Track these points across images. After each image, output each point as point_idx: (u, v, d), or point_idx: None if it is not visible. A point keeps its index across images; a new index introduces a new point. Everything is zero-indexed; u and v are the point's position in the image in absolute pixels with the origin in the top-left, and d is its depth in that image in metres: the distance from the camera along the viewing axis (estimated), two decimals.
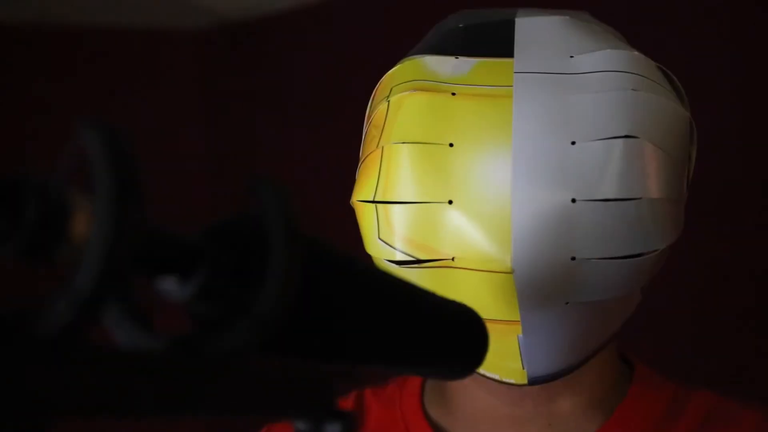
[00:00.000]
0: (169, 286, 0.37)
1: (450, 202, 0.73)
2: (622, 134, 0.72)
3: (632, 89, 0.74)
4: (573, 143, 0.72)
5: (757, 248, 1.71)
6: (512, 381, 0.76)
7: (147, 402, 0.34)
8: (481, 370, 0.75)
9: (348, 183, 0.81)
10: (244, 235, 0.38)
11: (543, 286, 0.72)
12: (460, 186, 0.73)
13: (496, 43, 0.77)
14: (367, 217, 0.76)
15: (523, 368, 0.75)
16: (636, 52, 0.77)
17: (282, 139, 2.36)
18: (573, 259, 0.72)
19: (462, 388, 0.83)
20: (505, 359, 0.75)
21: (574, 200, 0.71)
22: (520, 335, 0.73)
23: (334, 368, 0.42)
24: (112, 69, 2.41)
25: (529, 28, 0.78)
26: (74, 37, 2.38)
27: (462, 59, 0.76)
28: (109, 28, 2.40)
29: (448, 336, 0.49)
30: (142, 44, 2.46)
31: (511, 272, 0.72)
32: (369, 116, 0.81)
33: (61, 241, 0.32)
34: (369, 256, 0.78)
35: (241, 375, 0.37)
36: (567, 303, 0.73)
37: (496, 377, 0.76)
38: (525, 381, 0.75)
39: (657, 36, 1.66)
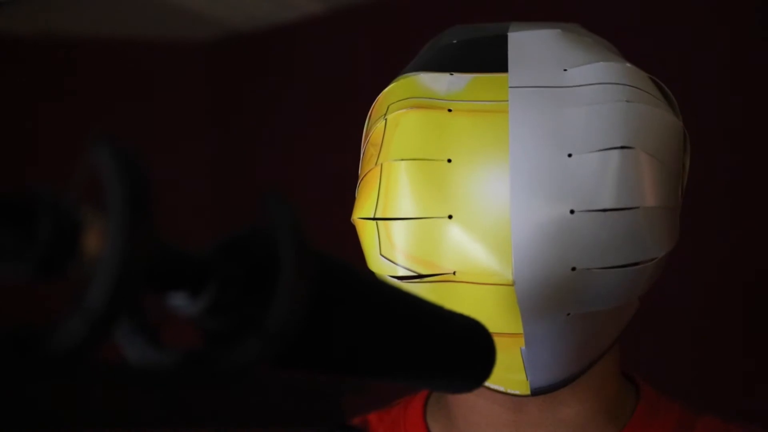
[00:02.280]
0: (180, 301, 0.37)
1: (450, 216, 0.74)
2: (618, 145, 0.73)
3: (626, 101, 0.75)
4: (570, 155, 0.73)
5: (756, 250, 1.71)
6: (517, 392, 0.76)
7: (157, 416, 0.34)
8: (486, 382, 0.76)
9: (355, 193, 0.81)
10: (254, 250, 0.39)
11: (544, 298, 0.73)
12: (459, 201, 0.74)
13: (489, 58, 0.78)
14: (368, 234, 0.77)
15: (527, 379, 0.76)
16: (628, 64, 0.78)
17: (289, 149, 2.36)
18: (573, 269, 0.72)
19: (464, 399, 0.83)
20: (508, 371, 0.75)
21: (572, 211, 0.72)
22: (523, 347, 0.74)
23: (344, 382, 0.43)
24: (121, 80, 2.42)
25: (521, 42, 0.79)
26: (84, 49, 2.39)
27: (456, 75, 0.77)
28: (117, 40, 2.41)
29: (457, 349, 0.49)
30: (151, 55, 2.46)
31: (512, 284, 0.72)
32: (366, 135, 0.81)
33: (74, 258, 0.32)
34: (371, 273, 0.78)
35: (251, 389, 0.37)
36: (568, 314, 0.74)
37: (501, 389, 0.77)
38: (529, 392, 0.76)
39: (653, 44, 1.67)
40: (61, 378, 0.31)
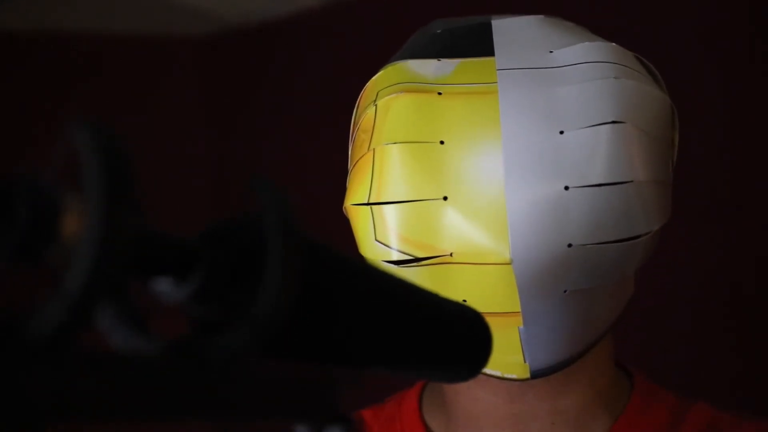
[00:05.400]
0: (165, 287, 0.36)
1: (445, 198, 0.74)
2: (609, 120, 0.74)
3: (614, 77, 0.76)
4: (561, 132, 0.74)
5: (748, 250, 1.71)
6: (514, 376, 0.76)
7: (143, 406, 0.33)
8: None
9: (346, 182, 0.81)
10: (241, 236, 0.38)
11: (542, 275, 0.73)
12: (453, 182, 0.74)
13: (475, 44, 0.79)
14: (362, 220, 0.77)
15: (525, 361, 0.76)
16: (614, 44, 0.79)
17: (284, 144, 2.36)
18: (569, 246, 0.73)
19: (460, 391, 0.82)
20: (506, 353, 0.75)
21: (567, 188, 0.73)
22: (521, 327, 0.74)
23: (336, 371, 0.42)
24: (114, 75, 2.42)
25: (506, 28, 0.80)
26: (76, 44, 2.39)
27: (444, 61, 0.78)
28: (110, 35, 2.41)
29: (451, 337, 0.48)
30: (145, 50, 2.46)
31: (510, 263, 0.73)
32: (356, 122, 0.82)
33: (52, 241, 0.31)
34: (364, 260, 0.78)
35: (239, 378, 0.36)
36: (565, 291, 0.74)
37: (498, 374, 0.76)
38: (527, 375, 0.76)
39: (639, 39, 1.67)
40: (38, 366, 0.30)
